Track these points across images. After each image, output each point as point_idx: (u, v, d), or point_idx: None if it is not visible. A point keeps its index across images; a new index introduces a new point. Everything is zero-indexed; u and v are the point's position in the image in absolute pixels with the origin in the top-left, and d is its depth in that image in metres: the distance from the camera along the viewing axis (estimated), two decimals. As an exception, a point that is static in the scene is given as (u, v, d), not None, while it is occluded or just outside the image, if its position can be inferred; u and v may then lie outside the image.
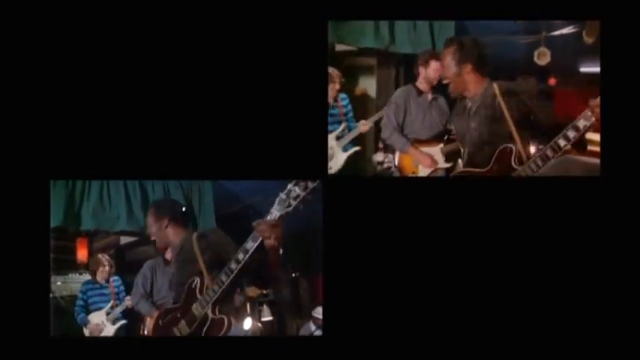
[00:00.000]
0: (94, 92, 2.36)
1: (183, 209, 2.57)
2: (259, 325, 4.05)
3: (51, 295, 4.30)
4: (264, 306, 4.14)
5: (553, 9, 2.40)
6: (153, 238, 2.51)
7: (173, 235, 2.43)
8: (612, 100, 2.33)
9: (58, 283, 4.65)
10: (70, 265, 4.93)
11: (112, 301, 4.24)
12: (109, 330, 4.15)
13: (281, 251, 2.07)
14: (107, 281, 4.33)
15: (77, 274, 4.73)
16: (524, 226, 2.34)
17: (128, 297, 4.08)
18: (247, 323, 3.86)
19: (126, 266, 4.59)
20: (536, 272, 2.33)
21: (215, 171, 2.42)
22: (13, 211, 2.30)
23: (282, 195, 1.98)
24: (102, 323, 4.16)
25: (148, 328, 2.91)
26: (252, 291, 3.89)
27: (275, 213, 1.99)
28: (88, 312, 4.23)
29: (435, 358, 2.32)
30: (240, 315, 3.85)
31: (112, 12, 2.35)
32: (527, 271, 2.33)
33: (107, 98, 2.37)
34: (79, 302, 4.27)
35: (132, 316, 3.98)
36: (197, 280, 2.23)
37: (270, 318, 4.15)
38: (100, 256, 4.44)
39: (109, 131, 2.37)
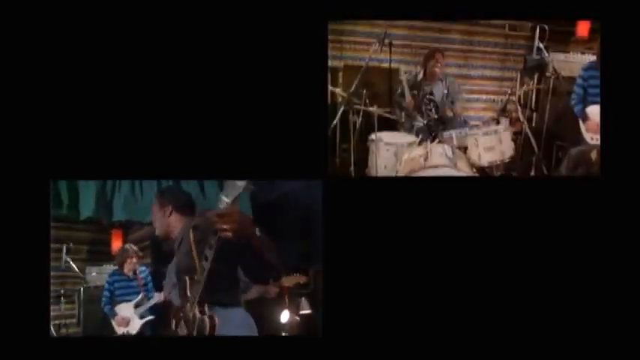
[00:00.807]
0: (97, 93, 2.37)
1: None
2: (297, 318, 3.86)
3: (85, 285, 4.27)
4: (303, 298, 3.89)
5: (553, 9, 2.40)
6: (155, 225, 2.40)
7: (175, 223, 2.34)
8: (612, 101, 2.33)
9: (93, 273, 4.59)
10: (104, 257, 4.88)
11: (141, 294, 4.12)
12: (136, 324, 4.03)
13: (258, 234, 1.95)
14: (135, 273, 4.20)
15: (112, 265, 4.63)
16: (524, 226, 2.34)
17: (158, 293, 3.96)
18: (285, 316, 3.73)
19: (163, 257, 4.48)
20: (536, 272, 2.33)
21: (216, 171, 2.43)
22: (13, 211, 2.31)
23: (227, 181, 1.87)
24: (129, 316, 4.04)
25: None
26: (288, 281, 3.75)
27: (224, 200, 1.86)
28: (115, 303, 4.12)
29: (435, 358, 2.32)
30: (276, 307, 3.71)
31: (114, 13, 2.36)
32: (526, 272, 2.33)
33: (106, 99, 2.38)
34: (105, 293, 4.15)
35: (161, 311, 3.87)
36: (187, 278, 2.13)
37: (309, 311, 3.88)
38: (127, 246, 4.30)
39: (108, 131, 2.38)
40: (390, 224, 2.36)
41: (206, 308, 2.05)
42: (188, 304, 2.10)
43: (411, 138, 3.54)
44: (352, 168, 3.57)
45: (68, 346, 2.40)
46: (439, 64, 3.75)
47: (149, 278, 4.27)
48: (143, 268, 4.26)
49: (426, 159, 3.08)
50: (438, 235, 2.35)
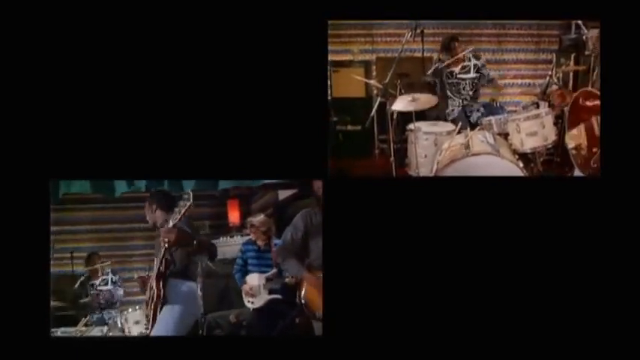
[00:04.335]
0: (97, 94, 2.39)
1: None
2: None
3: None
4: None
5: (553, 9, 2.40)
6: (147, 218, 2.89)
7: (159, 217, 2.81)
8: (612, 101, 2.34)
9: (212, 248, 4.44)
10: (223, 229, 4.74)
11: (274, 269, 3.74)
12: (261, 298, 3.71)
13: (195, 242, 2.62)
14: (268, 245, 3.86)
15: (229, 237, 4.48)
16: (524, 226, 2.34)
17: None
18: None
19: (287, 223, 3.93)
20: (536, 272, 2.33)
21: (217, 171, 2.46)
22: (13, 211, 2.31)
23: (176, 209, 2.50)
24: (258, 286, 3.73)
25: (304, 297, 2.52)
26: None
27: (170, 222, 2.52)
28: (246, 273, 3.84)
29: (435, 358, 2.33)
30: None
31: (114, 13, 2.36)
32: (526, 271, 2.33)
33: (107, 100, 2.39)
34: (238, 261, 3.93)
35: (290, 290, 3.42)
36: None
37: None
38: (249, 219, 4.01)
39: (109, 131, 2.39)
40: (390, 224, 2.36)
41: (161, 282, 2.62)
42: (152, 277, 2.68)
43: (450, 126, 3.45)
44: (392, 159, 3.53)
45: (68, 346, 2.40)
46: (459, 49, 3.68)
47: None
48: (278, 242, 3.71)
49: (467, 147, 3.00)
50: (437, 235, 2.35)
